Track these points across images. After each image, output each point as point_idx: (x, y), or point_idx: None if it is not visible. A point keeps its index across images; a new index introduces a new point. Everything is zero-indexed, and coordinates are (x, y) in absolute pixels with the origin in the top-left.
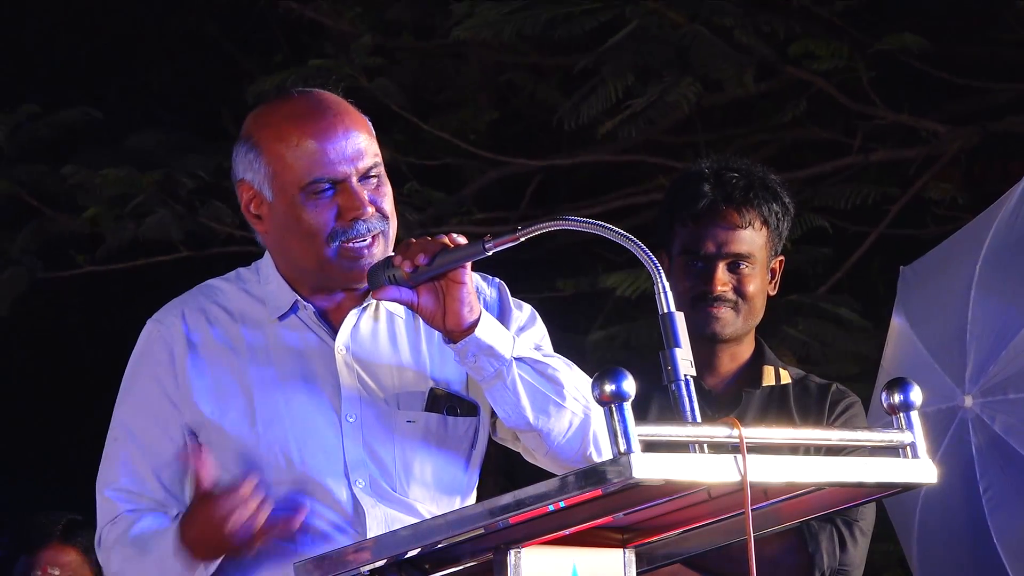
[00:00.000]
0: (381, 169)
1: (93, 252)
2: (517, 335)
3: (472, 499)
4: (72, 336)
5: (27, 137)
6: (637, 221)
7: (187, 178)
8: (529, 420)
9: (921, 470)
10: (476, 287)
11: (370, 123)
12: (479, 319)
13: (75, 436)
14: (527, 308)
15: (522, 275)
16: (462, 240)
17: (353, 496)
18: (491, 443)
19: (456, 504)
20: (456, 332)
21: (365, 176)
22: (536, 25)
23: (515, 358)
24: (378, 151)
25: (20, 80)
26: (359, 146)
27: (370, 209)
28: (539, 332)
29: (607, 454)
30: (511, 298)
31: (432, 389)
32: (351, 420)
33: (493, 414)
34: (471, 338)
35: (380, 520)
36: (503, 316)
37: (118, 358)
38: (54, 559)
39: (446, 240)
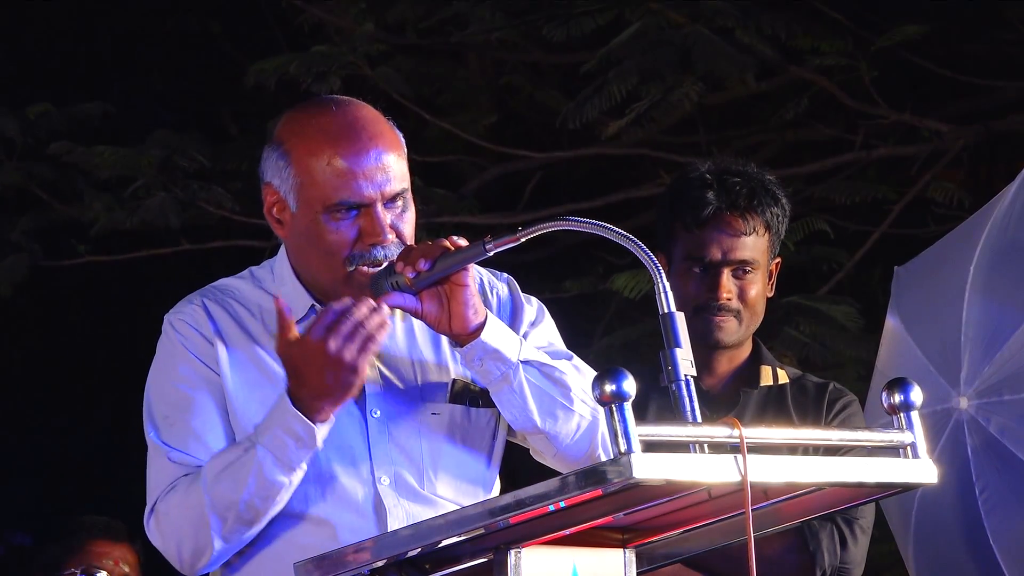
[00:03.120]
0: (408, 193)
1: (94, 242)
2: (529, 331)
3: (495, 495)
4: (72, 326)
5: (43, 130)
6: (638, 219)
7: (186, 162)
8: (536, 423)
9: (921, 470)
10: (488, 283)
11: (403, 141)
12: (485, 322)
13: (77, 427)
14: (535, 302)
15: (523, 276)
16: (463, 242)
17: (376, 494)
18: None
19: (482, 498)
20: (462, 335)
21: (391, 200)
22: (535, 28)
23: (522, 361)
24: (407, 173)
25: (22, 80)
26: (389, 171)
27: (391, 236)
28: (549, 326)
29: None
30: (521, 293)
31: (455, 380)
32: (376, 416)
33: None
34: (477, 342)
35: (401, 519)
36: (515, 312)
37: (119, 349)
38: (108, 552)
39: (447, 243)
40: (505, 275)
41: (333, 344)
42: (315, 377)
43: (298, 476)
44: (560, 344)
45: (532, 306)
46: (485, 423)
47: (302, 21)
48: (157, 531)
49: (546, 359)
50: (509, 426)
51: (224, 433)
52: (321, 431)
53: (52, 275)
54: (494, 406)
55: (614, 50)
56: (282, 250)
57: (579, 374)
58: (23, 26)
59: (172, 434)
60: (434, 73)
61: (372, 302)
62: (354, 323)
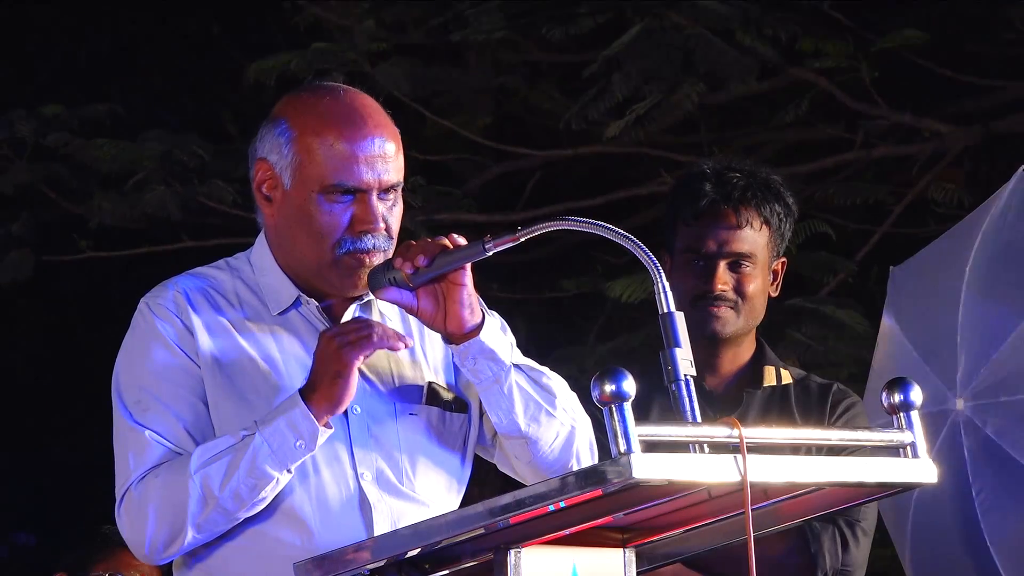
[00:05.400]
0: (400, 188)
1: (96, 238)
2: None
3: (461, 495)
4: (73, 324)
5: (53, 131)
6: (638, 218)
7: (187, 156)
8: (520, 427)
9: (921, 470)
10: None
11: (399, 138)
12: (482, 322)
13: (79, 427)
14: (498, 317)
15: (522, 276)
16: (462, 241)
17: (360, 489)
18: None
19: (455, 498)
20: (457, 335)
21: (385, 191)
22: (535, 27)
23: (513, 364)
24: (403, 168)
25: (23, 81)
26: (388, 161)
27: (382, 225)
28: (511, 340)
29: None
30: (486, 308)
31: (430, 383)
32: (357, 412)
33: (480, 419)
34: (475, 341)
35: (386, 515)
36: None
37: (119, 344)
38: (137, 565)
39: (446, 241)
40: None
41: (330, 333)
42: (313, 367)
43: (286, 477)
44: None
45: (496, 320)
46: (458, 427)
47: (298, 22)
48: (128, 515)
49: (534, 364)
50: (479, 435)
51: (202, 423)
52: (322, 435)
53: (53, 273)
54: (464, 411)
55: (615, 52)
56: (260, 240)
57: (561, 382)
58: (24, 27)
59: (147, 418)
60: (433, 76)
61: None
62: (361, 323)
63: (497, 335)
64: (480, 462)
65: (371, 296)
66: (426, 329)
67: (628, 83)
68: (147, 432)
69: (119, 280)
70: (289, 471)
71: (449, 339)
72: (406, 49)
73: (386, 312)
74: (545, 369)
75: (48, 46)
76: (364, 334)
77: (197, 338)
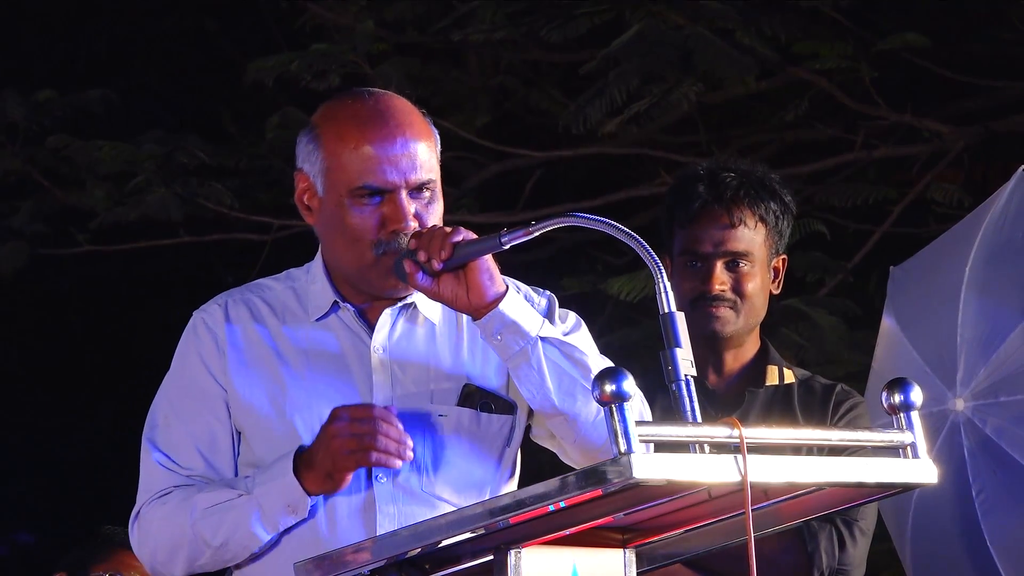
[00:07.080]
0: (435, 185)
1: (93, 232)
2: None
3: None
4: (72, 321)
5: (46, 116)
6: (637, 219)
7: (186, 158)
8: (555, 402)
9: (922, 470)
10: (527, 295)
11: (435, 134)
12: (505, 293)
13: (79, 425)
14: (574, 315)
15: (523, 276)
16: (472, 235)
17: (370, 492)
18: None
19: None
20: (481, 307)
21: (417, 189)
22: (534, 29)
23: (541, 338)
24: (436, 167)
25: (19, 77)
26: (415, 159)
27: (413, 224)
28: (585, 336)
29: None
30: (559, 308)
31: (466, 385)
32: None
33: (530, 414)
34: (495, 312)
35: (393, 517)
36: (550, 319)
37: (119, 345)
38: (136, 566)
39: (459, 238)
40: (547, 292)
41: (335, 427)
42: (312, 447)
43: (279, 532)
44: (595, 353)
45: (570, 316)
46: (496, 429)
47: (305, 23)
48: (138, 534)
49: (567, 339)
50: (533, 428)
51: (218, 445)
52: (312, 500)
53: (51, 267)
54: (509, 412)
55: (614, 51)
56: (320, 248)
57: (601, 358)
58: (23, 23)
59: (165, 436)
60: (432, 75)
61: (407, 438)
62: (371, 428)
63: (521, 307)
64: None
65: (412, 299)
66: (475, 333)
67: (626, 82)
68: (160, 455)
69: (117, 276)
70: (283, 527)
71: (474, 314)
72: (405, 49)
73: (429, 315)
74: (586, 346)
75: (45, 43)
76: (366, 444)
77: (228, 357)
